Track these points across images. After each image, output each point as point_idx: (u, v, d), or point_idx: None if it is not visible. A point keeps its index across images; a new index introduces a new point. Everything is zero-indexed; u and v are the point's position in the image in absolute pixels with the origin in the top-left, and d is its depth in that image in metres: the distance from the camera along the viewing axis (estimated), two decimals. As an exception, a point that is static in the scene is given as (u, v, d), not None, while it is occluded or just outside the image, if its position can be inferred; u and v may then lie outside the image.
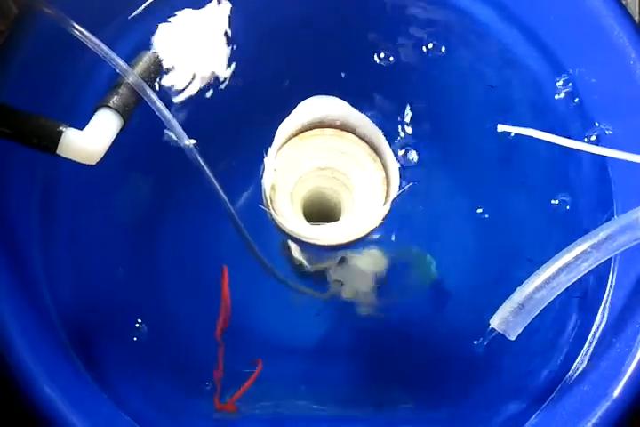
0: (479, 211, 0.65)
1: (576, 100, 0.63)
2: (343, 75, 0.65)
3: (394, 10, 0.67)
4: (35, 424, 0.50)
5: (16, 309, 0.53)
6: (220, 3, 0.62)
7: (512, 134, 0.60)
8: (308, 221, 0.59)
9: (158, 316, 0.63)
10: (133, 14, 0.63)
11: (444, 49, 0.66)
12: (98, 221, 0.62)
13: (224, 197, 0.56)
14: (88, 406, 0.53)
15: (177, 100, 0.62)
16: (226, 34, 0.63)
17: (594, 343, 0.57)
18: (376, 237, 0.62)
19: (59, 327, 0.57)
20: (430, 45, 0.66)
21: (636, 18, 0.63)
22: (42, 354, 0.52)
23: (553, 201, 0.64)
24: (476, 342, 0.60)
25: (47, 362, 0.52)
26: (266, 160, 0.54)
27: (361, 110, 0.57)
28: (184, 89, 0.63)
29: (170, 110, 0.54)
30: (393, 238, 0.64)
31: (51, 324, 0.56)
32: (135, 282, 0.63)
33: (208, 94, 0.62)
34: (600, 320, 0.58)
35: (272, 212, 0.54)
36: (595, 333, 0.58)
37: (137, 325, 0.61)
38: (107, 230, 0.62)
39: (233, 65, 0.63)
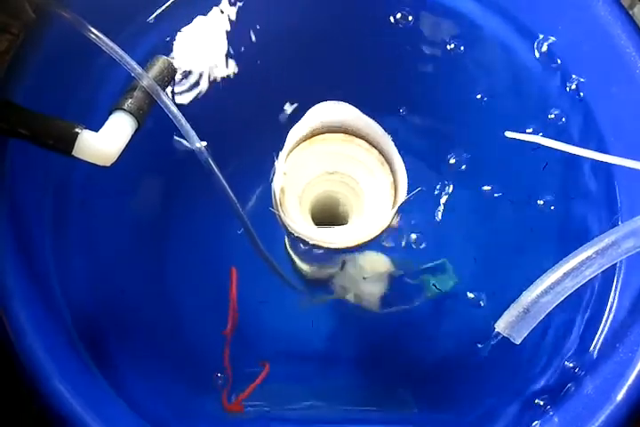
0: (485, 219, 0.66)
1: (584, 109, 0.64)
2: (353, 81, 0.66)
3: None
4: (48, 424, 0.51)
5: (29, 308, 0.53)
6: (232, 4, 0.62)
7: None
8: (317, 225, 0.59)
9: (168, 316, 0.63)
10: (150, 18, 0.63)
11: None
12: (109, 221, 0.63)
13: (234, 199, 0.56)
14: (100, 405, 0.53)
15: (183, 101, 0.63)
16: (236, 38, 0.64)
17: (597, 348, 0.58)
18: (383, 242, 0.63)
19: (71, 327, 0.57)
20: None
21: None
22: (55, 354, 0.52)
23: (557, 207, 0.64)
24: (480, 346, 0.60)
25: (61, 362, 0.52)
26: (276, 164, 0.55)
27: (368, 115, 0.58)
28: (192, 91, 0.63)
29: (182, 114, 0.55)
30: (397, 243, 0.65)
31: (64, 324, 0.57)
32: (145, 282, 0.63)
33: (219, 97, 0.63)
34: (604, 325, 0.58)
35: (281, 214, 0.55)
36: (599, 337, 0.58)
37: (146, 326, 0.62)
38: (117, 231, 0.63)
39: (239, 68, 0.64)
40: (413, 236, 0.63)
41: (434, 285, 0.63)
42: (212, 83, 0.64)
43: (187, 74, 0.62)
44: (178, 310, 0.64)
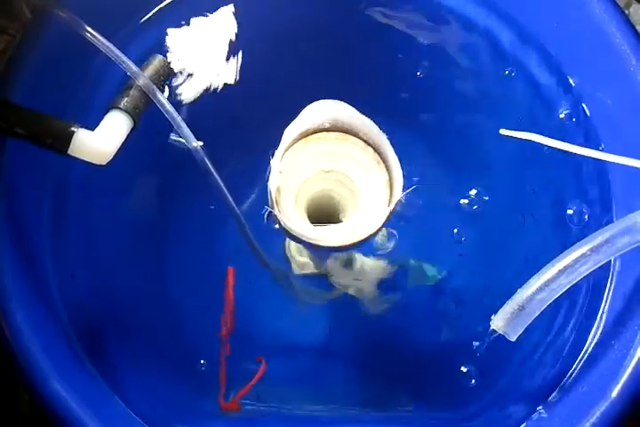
0: (479, 215, 0.66)
1: (579, 106, 0.64)
2: (349, 80, 0.67)
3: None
4: (46, 423, 0.51)
5: (27, 308, 0.53)
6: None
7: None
8: (313, 223, 0.59)
9: (166, 316, 0.63)
10: (145, 18, 0.64)
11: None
12: (108, 221, 0.63)
13: (229, 198, 0.56)
14: (98, 404, 0.53)
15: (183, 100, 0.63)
16: (232, 38, 0.64)
17: (593, 345, 0.58)
18: (380, 241, 0.64)
19: (69, 327, 0.57)
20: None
21: (638, 27, 0.64)
22: (53, 354, 0.53)
23: (553, 205, 0.65)
24: (476, 344, 0.60)
25: (59, 362, 0.53)
26: (272, 162, 0.55)
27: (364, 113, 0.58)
28: (190, 92, 0.63)
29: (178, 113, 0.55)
30: (395, 242, 0.65)
31: (62, 324, 0.57)
32: (144, 282, 0.64)
33: (215, 97, 0.63)
34: (599, 322, 0.58)
35: (277, 213, 0.55)
36: (594, 334, 0.58)
37: (145, 326, 0.62)
38: (116, 231, 0.63)
39: (238, 67, 0.63)
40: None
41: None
42: (210, 83, 0.64)
43: (184, 73, 0.62)
44: (176, 309, 0.64)
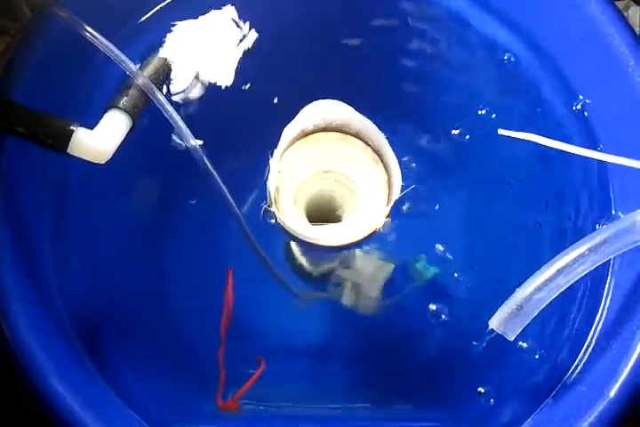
0: (479, 214, 0.66)
1: (578, 107, 0.64)
2: (348, 80, 0.67)
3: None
4: (46, 423, 0.51)
5: (27, 308, 0.53)
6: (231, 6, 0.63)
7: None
8: (312, 223, 0.60)
9: (166, 316, 0.63)
10: (144, 18, 0.64)
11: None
12: (107, 221, 0.63)
13: (229, 197, 0.56)
14: (98, 404, 0.53)
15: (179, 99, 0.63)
16: (233, 37, 0.64)
17: (591, 345, 0.58)
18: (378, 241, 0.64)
19: (69, 327, 0.58)
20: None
21: (637, 29, 0.64)
22: (53, 353, 0.53)
23: (552, 206, 0.65)
24: (475, 343, 0.60)
25: (59, 361, 0.53)
26: (271, 162, 0.55)
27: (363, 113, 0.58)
28: (188, 91, 0.63)
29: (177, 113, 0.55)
30: (394, 242, 0.65)
31: (62, 323, 0.57)
32: (143, 282, 0.64)
33: (214, 97, 0.63)
34: (597, 322, 0.58)
35: (276, 212, 0.55)
36: (592, 334, 0.58)
37: (145, 325, 0.62)
38: (116, 231, 0.63)
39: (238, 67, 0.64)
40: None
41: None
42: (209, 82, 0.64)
43: (183, 73, 0.63)
44: (176, 309, 0.64)
